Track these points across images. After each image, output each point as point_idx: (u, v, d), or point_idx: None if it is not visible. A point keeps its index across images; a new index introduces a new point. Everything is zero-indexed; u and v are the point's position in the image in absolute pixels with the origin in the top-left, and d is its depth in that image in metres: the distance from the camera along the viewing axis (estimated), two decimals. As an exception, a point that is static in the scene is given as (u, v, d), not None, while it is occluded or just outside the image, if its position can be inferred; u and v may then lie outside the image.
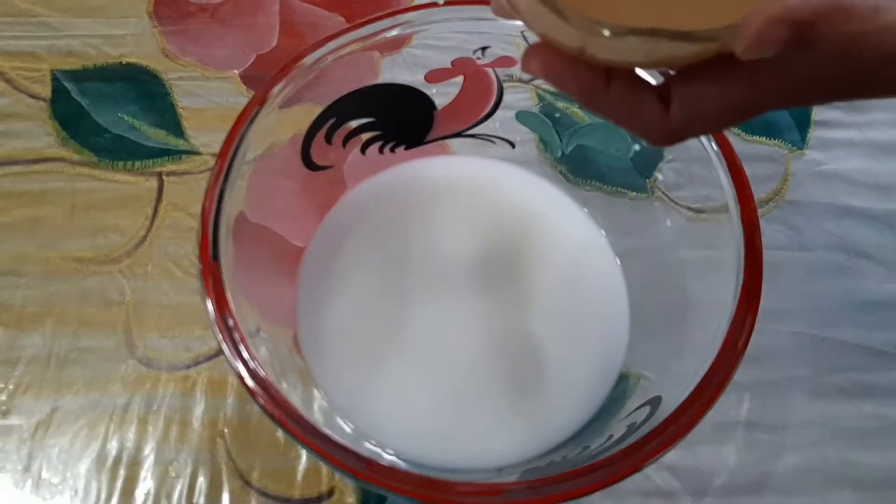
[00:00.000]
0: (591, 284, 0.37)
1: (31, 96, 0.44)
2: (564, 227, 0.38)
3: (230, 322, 0.27)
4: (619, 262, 0.37)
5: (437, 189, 0.39)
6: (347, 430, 0.33)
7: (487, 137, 0.39)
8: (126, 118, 0.43)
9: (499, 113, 0.38)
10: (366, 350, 0.35)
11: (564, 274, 0.37)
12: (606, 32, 0.18)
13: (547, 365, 0.34)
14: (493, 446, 0.33)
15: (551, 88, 0.37)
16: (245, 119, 0.30)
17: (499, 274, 0.36)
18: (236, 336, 0.27)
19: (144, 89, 0.44)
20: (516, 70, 0.37)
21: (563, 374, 0.34)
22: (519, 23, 0.21)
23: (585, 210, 0.39)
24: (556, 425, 0.33)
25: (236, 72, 0.45)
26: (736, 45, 0.17)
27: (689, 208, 0.33)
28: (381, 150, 0.39)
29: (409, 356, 0.34)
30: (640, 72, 0.21)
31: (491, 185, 0.39)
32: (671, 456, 0.27)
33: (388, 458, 0.32)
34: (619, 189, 0.38)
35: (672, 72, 0.21)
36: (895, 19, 0.16)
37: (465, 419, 0.33)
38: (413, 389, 0.34)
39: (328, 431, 0.26)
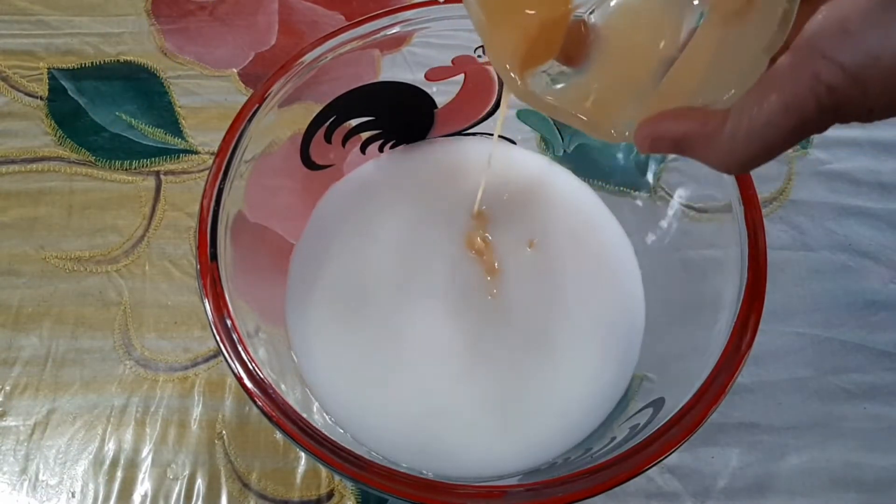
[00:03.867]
0: (608, 280, 0.35)
1: (28, 95, 0.44)
2: (575, 215, 0.37)
3: (228, 323, 0.27)
4: (636, 259, 0.36)
5: (432, 174, 0.38)
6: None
7: (489, 136, 0.39)
8: (124, 117, 0.43)
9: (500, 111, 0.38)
10: (354, 350, 0.34)
11: (579, 269, 0.35)
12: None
13: (557, 368, 0.33)
14: (493, 456, 0.31)
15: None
16: (244, 117, 0.30)
17: (503, 267, 0.35)
18: (235, 337, 0.26)
19: (142, 88, 0.44)
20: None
21: (573, 378, 0.33)
22: None
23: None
24: (563, 433, 0.32)
25: (235, 70, 0.45)
26: (636, 145, 0.23)
27: (693, 208, 0.33)
28: (380, 149, 0.38)
29: (401, 357, 0.33)
30: None
31: (492, 167, 0.36)
32: (674, 458, 0.27)
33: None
34: (622, 188, 0.37)
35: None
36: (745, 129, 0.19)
37: (464, 427, 0.32)
38: (406, 394, 0.33)
39: (327, 433, 0.25)
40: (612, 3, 0.23)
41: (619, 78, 0.24)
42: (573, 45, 0.24)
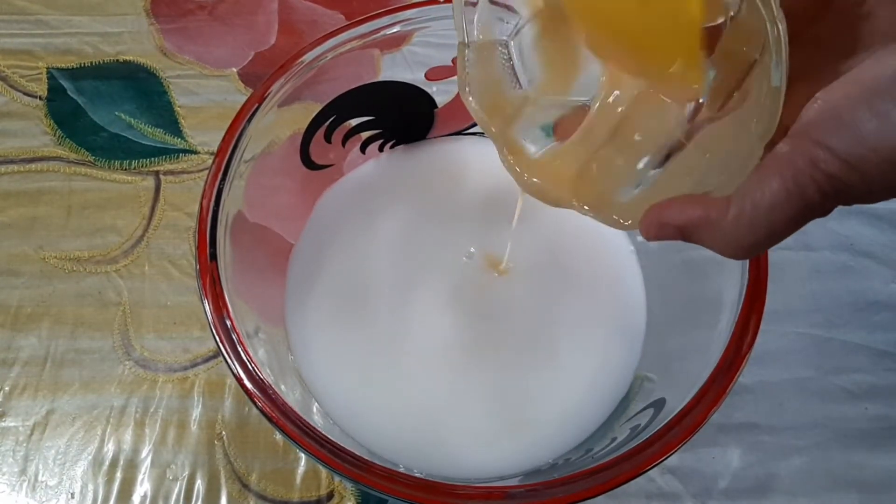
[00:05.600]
0: (609, 280, 0.35)
1: (28, 95, 0.44)
2: (579, 216, 0.37)
3: (228, 323, 0.26)
4: (637, 259, 0.36)
5: (433, 174, 0.38)
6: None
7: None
8: (123, 117, 0.43)
9: (500, 111, 0.38)
10: (354, 351, 0.33)
11: (580, 269, 0.35)
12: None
13: (557, 368, 0.33)
14: (494, 457, 0.31)
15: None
16: (243, 117, 0.30)
17: (503, 268, 0.35)
18: (234, 337, 0.26)
19: (142, 87, 0.44)
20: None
21: (574, 379, 0.33)
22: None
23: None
24: (564, 434, 0.32)
25: (235, 70, 0.45)
26: (642, 234, 0.23)
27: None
28: (380, 149, 0.38)
29: (400, 358, 0.33)
30: None
31: (492, 167, 0.37)
32: (675, 458, 0.27)
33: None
34: (623, 188, 0.37)
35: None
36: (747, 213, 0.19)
37: (464, 427, 0.32)
38: (406, 394, 0.32)
39: (327, 434, 0.25)
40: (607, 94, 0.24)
41: (613, 163, 0.24)
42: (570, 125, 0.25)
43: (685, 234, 0.21)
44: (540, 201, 0.26)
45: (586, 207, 0.25)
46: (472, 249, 0.35)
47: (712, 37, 0.21)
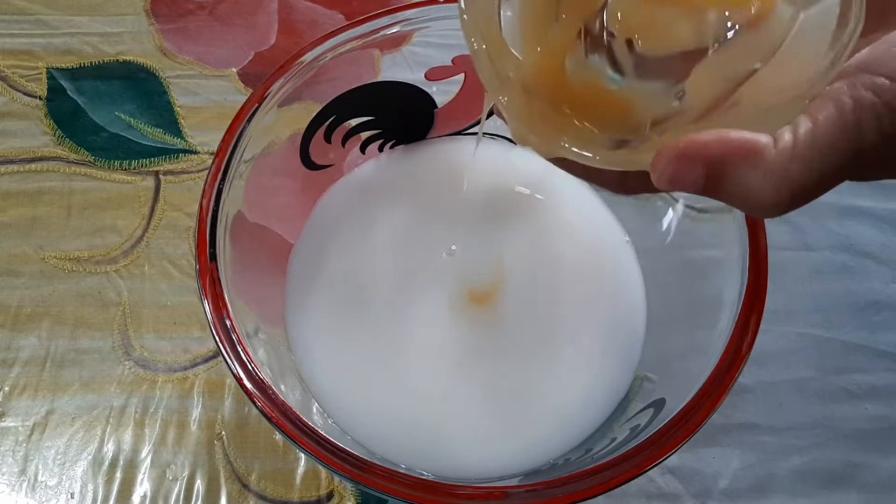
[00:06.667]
0: (609, 280, 0.35)
1: (27, 95, 0.44)
2: (576, 214, 0.37)
3: (228, 323, 0.26)
4: (637, 259, 0.36)
5: (432, 174, 0.38)
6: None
7: (489, 136, 0.38)
8: (123, 117, 0.43)
9: (500, 111, 0.38)
10: (354, 351, 0.33)
11: (579, 269, 0.35)
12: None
13: (557, 368, 0.33)
14: (493, 457, 0.31)
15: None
16: (243, 117, 0.30)
17: (504, 266, 0.35)
18: (234, 337, 0.26)
19: (141, 87, 0.44)
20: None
21: (574, 378, 0.33)
22: None
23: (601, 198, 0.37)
24: (564, 434, 0.32)
25: (234, 70, 0.45)
26: (652, 176, 0.18)
27: (693, 208, 0.33)
28: (380, 149, 0.38)
29: (400, 358, 0.33)
30: None
31: (491, 167, 0.36)
32: (674, 458, 0.27)
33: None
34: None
35: None
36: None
37: (464, 427, 0.32)
38: (406, 394, 0.32)
39: (326, 434, 0.25)
40: None
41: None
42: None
43: (715, 174, 0.17)
44: (530, 147, 0.24)
45: (581, 151, 0.22)
46: (454, 247, 0.35)
47: (689, 59, 0.20)
